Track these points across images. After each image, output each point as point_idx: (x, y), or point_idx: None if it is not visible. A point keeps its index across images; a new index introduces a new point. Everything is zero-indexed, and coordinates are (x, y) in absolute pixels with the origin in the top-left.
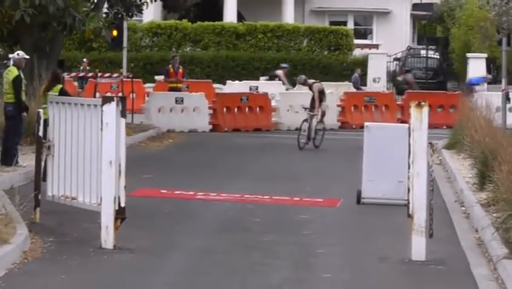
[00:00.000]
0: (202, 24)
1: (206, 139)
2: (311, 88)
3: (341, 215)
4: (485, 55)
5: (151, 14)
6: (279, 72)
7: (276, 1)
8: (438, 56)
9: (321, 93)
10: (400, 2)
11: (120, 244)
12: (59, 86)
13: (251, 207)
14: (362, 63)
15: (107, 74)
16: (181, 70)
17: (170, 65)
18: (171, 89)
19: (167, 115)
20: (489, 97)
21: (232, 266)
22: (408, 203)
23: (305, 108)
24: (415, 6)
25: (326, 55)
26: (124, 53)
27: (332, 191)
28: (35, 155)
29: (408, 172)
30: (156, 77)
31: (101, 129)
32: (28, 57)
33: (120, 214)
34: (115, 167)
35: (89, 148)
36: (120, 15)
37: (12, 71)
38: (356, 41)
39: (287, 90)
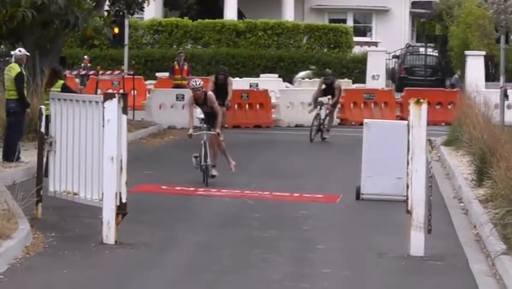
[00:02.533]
0: (202, 21)
1: None
2: None
3: (340, 211)
4: (484, 53)
5: (152, 11)
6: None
7: None
8: (436, 54)
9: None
10: (399, 0)
11: (121, 240)
12: (61, 82)
13: (251, 203)
14: (362, 61)
15: (108, 72)
16: (186, 67)
17: (175, 62)
18: (176, 86)
19: (168, 112)
20: (487, 94)
21: (233, 261)
22: (407, 199)
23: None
24: (414, 4)
25: (325, 52)
26: (126, 50)
27: (331, 187)
28: (37, 150)
29: (407, 168)
30: (157, 74)
31: (103, 125)
32: (28, 54)
33: (121, 210)
34: (116, 163)
35: (91, 144)
36: (121, 13)
37: (15, 68)
38: (356, 39)
39: None
